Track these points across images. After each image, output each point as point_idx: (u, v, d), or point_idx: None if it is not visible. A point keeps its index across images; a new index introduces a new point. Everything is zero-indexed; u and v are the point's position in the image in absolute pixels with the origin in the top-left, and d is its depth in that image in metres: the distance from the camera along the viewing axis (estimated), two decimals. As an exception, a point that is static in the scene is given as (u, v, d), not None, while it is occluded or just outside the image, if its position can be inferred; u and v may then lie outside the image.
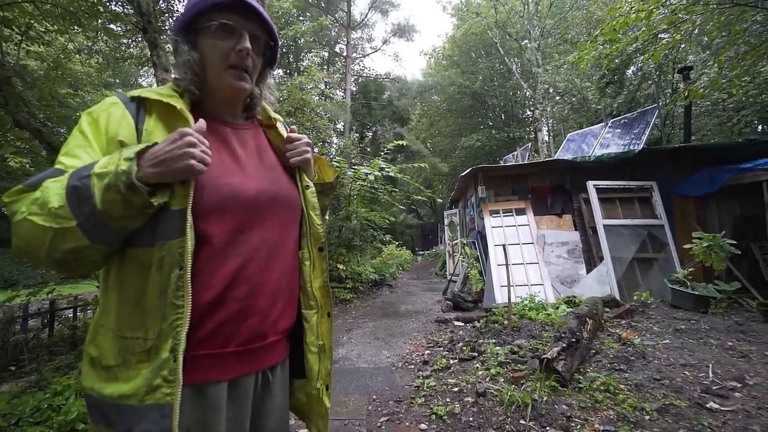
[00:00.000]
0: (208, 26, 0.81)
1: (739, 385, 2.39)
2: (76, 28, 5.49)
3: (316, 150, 8.66)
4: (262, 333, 0.82)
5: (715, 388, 2.37)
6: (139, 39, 7.09)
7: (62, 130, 6.46)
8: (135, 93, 0.80)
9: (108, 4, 5.77)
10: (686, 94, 5.78)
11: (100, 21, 5.62)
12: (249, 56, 0.82)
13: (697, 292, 4.24)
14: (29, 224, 0.65)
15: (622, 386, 2.45)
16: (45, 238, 0.65)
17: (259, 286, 0.80)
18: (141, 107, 0.78)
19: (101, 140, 0.74)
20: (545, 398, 2.31)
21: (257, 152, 0.92)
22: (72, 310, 5.26)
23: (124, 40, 7.55)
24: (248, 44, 0.81)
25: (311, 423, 0.98)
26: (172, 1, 6.95)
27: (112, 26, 6.12)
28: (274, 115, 1.00)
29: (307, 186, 0.94)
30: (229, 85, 0.84)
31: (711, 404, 2.18)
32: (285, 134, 0.98)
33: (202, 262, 0.73)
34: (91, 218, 0.65)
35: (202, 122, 0.74)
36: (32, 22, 4.91)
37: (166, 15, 6.71)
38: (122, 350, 0.71)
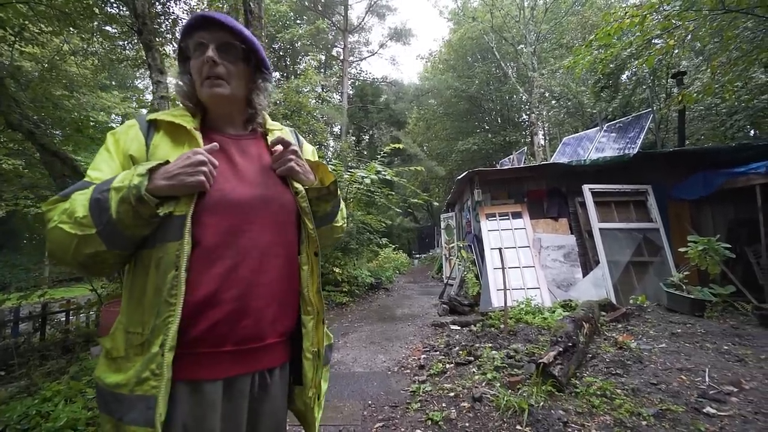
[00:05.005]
0: (188, 50, 0.91)
1: (735, 390, 2.39)
2: (71, 29, 5.47)
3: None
4: (258, 334, 0.85)
5: (711, 392, 2.37)
6: (135, 41, 7.05)
7: (57, 132, 6.41)
8: (152, 116, 0.90)
9: (103, 5, 5.75)
10: (680, 98, 5.82)
11: (95, 23, 5.61)
12: (217, 63, 0.88)
13: (692, 296, 4.25)
14: (60, 231, 0.75)
15: (618, 391, 2.44)
16: (71, 243, 0.75)
17: (252, 287, 0.83)
18: (152, 126, 0.89)
19: (120, 156, 0.85)
20: (542, 403, 2.30)
21: (259, 160, 0.96)
22: (65, 313, 5.18)
23: (120, 42, 7.53)
24: (210, 53, 0.86)
25: (307, 429, 1.02)
26: (168, 4, 6.94)
27: (107, 28, 6.11)
28: (269, 124, 1.05)
29: (297, 191, 0.96)
30: (207, 95, 0.90)
31: (708, 409, 2.17)
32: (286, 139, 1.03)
33: (194, 263, 0.78)
34: (108, 226, 0.74)
35: (215, 145, 0.84)
36: (26, 23, 4.87)
37: (162, 17, 6.70)
38: (126, 343, 0.79)
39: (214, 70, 0.87)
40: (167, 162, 0.79)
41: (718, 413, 2.13)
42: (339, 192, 1.05)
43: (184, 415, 0.76)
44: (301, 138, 1.16)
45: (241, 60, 0.92)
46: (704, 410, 2.17)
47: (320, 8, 21.04)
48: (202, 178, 0.78)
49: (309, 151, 1.13)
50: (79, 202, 0.75)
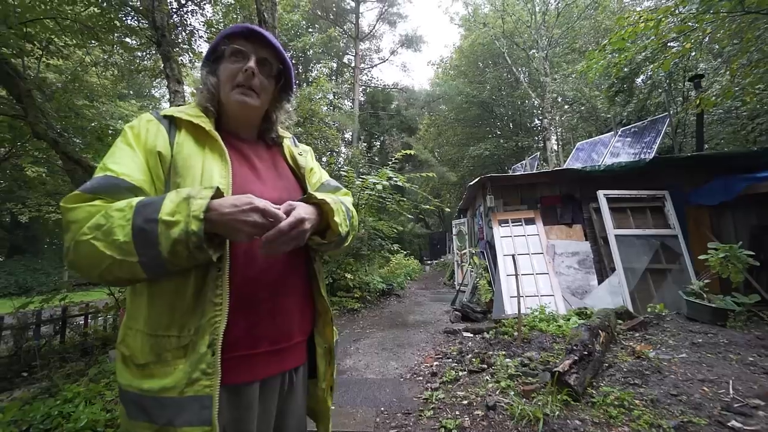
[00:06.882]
0: (223, 53, 0.92)
1: (762, 403, 2.30)
2: (93, 42, 5.66)
3: (324, 160, 8.71)
4: (289, 333, 0.90)
5: (736, 405, 2.28)
6: (153, 52, 7.27)
7: (78, 141, 6.63)
8: (167, 112, 0.90)
9: (124, 18, 5.94)
10: (698, 102, 5.71)
11: (116, 35, 5.78)
12: (254, 76, 0.91)
13: (714, 305, 4.12)
14: (91, 247, 0.69)
15: (637, 402, 2.37)
16: (103, 263, 0.69)
17: (283, 288, 0.88)
18: (172, 124, 0.88)
19: (143, 151, 0.82)
20: (557, 413, 2.25)
21: (273, 164, 1.00)
22: (83, 317, 5.31)
23: (139, 53, 7.76)
24: (253, 64, 0.90)
25: (320, 423, 1.05)
26: (186, 16, 7.13)
27: (127, 40, 6.29)
28: (281, 132, 1.08)
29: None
30: (235, 101, 0.91)
31: (733, 423, 2.09)
32: (293, 148, 1.07)
33: (231, 265, 0.79)
34: (154, 260, 0.69)
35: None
36: (53, 37, 5.07)
37: (180, 28, 6.89)
38: (154, 348, 0.76)
39: (251, 81, 0.90)
40: (219, 194, 0.74)
41: (744, 427, 2.05)
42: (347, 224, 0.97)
43: (224, 419, 0.77)
44: (300, 145, 1.18)
45: (273, 77, 0.96)
46: (729, 424, 2.09)
47: (332, 17, 21.37)
48: (253, 230, 0.73)
49: (307, 151, 1.18)
50: (118, 221, 0.68)
